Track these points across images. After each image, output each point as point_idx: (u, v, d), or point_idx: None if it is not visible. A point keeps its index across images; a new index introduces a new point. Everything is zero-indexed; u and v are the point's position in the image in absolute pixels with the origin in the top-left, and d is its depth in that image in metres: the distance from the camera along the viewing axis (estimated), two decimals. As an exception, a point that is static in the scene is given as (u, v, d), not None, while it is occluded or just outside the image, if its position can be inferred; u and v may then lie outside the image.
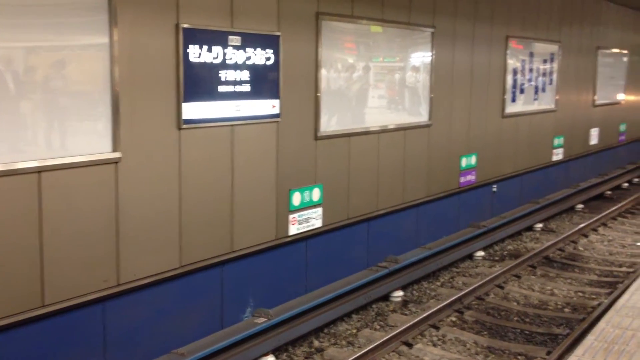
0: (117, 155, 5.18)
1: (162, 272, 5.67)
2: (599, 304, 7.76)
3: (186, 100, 5.66)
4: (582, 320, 7.22)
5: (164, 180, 5.60)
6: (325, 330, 6.96)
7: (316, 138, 7.18)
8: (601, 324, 4.06)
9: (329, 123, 7.40)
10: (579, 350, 3.64)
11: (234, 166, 6.22)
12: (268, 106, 6.49)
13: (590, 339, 3.80)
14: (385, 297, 7.87)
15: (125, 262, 5.37)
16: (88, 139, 5.06)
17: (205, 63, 5.79)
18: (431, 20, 8.93)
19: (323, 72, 7.19)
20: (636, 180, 16.46)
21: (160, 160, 5.56)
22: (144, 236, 5.49)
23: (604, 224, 12.16)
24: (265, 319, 6.24)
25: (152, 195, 5.52)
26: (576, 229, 11.29)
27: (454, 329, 7.12)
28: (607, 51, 15.66)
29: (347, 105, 7.72)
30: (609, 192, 14.96)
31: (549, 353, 6.41)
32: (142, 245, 5.48)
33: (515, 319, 7.51)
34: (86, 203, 5.03)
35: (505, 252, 10.24)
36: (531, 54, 11.97)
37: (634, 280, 5.05)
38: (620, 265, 9.59)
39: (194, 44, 5.65)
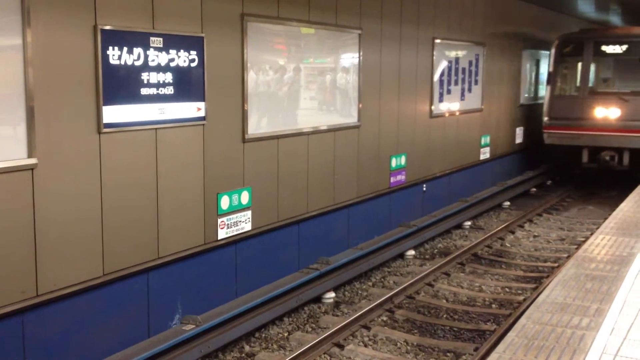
0: (32, 161, 4.97)
1: (84, 281, 5.48)
2: (524, 299, 7.96)
3: (107, 104, 5.49)
4: (508, 316, 7.39)
5: (84, 187, 5.41)
6: (257, 335, 6.89)
7: (244, 140, 7.10)
8: (522, 320, 4.14)
9: (258, 125, 7.33)
10: (500, 347, 3.70)
11: (158, 170, 6.08)
12: (193, 109, 6.37)
13: (511, 335, 3.87)
14: (317, 299, 7.86)
15: (45, 272, 5.17)
16: (2, 145, 4.84)
17: (125, 65, 5.63)
18: (358, 22, 8.97)
19: (250, 74, 7.11)
20: (558, 178, 16.97)
21: (79, 165, 5.37)
22: (63, 245, 5.29)
23: (530, 220, 12.51)
24: (194, 326, 6.12)
25: (72, 203, 5.33)
26: (503, 225, 11.57)
27: (384, 328, 7.17)
28: (534, 51, 16.19)
29: (276, 106, 7.66)
30: (534, 190, 15.41)
31: (476, 349, 6.53)
32: (62, 254, 5.28)
33: (445, 316, 7.62)
34: (0, 212, 4.81)
35: (436, 250, 10.39)
36: (456, 56, 12.21)
37: (555, 276, 5.19)
38: (545, 261, 9.87)
39: (114, 45, 5.49)
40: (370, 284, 8.68)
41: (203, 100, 6.47)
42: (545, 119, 14.78)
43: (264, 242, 7.54)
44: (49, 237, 5.16)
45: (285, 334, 6.96)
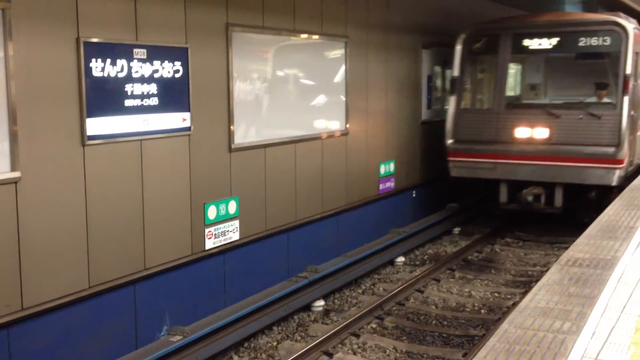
0: (16, 174, 4.97)
1: (70, 294, 5.47)
2: (513, 304, 7.98)
3: (90, 116, 5.50)
4: (497, 321, 7.40)
5: (68, 199, 5.42)
6: (245, 345, 6.88)
7: (230, 150, 7.12)
8: (504, 325, 4.14)
9: (244, 134, 7.35)
10: (482, 352, 3.72)
11: (144, 182, 6.08)
12: (178, 119, 6.39)
13: (493, 340, 3.88)
14: (307, 307, 7.86)
15: (30, 285, 5.16)
16: (-16, 159, 4.85)
17: (109, 77, 5.65)
18: (344, 30, 9.01)
19: (236, 84, 7.13)
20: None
21: (64, 178, 5.37)
22: (49, 258, 5.29)
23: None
24: (181, 337, 6.12)
25: (57, 215, 5.33)
26: (490, 230, 11.57)
27: (374, 335, 7.17)
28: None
29: (262, 115, 7.68)
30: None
31: (465, 355, 6.54)
32: (47, 268, 5.28)
33: (434, 322, 7.63)
34: (-17, 226, 4.81)
35: (426, 256, 10.41)
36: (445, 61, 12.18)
37: (538, 281, 5.22)
38: (535, 265, 9.90)
39: (97, 57, 5.50)
40: (360, 291, 8.69)
41: (188, 110, 6.49)
42: (449, 142, 10.68)
43: (253, 251, 7.55)
44: (34, 250, 5.16)
45: (275, 343, 6.96)
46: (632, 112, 9.94)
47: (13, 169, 4.97)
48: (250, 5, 7.30)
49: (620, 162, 9.68)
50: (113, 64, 5.66)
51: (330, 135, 8.89)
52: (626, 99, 9.73)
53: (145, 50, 5.95)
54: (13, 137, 4.95)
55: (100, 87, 5.57)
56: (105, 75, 5.61)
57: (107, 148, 5.70)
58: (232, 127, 7.08)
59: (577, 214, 10.65)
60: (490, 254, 10.58)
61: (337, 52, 9.01)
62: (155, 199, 6.21)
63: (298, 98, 8.34)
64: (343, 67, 9.09)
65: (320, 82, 8.75)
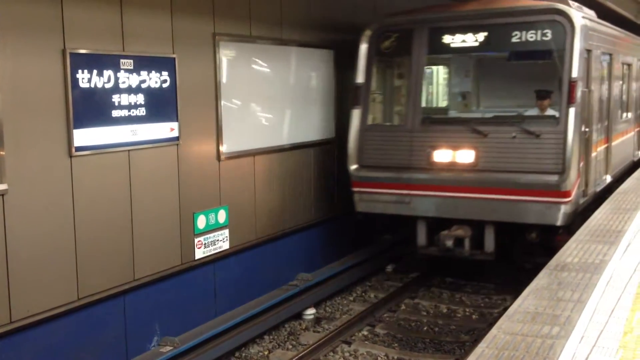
0: (2, 187, 4.95)
1: (59, 307, 5.44)
2: (504, 309, 7.99)
3: (77, 127, 5.48)
4: (489, 326, 7.41)
5: (56, 211, 5.39)
6: (237, 354, 6.86)
7: (219, 159, 7.11)
8: (493, 330, 4.15)
9: (233, 143, 7.33)
10: (470, 358, 3.72)
11: (132, 192, 6.07)
12: (166, 129, 6.38)
13: (482, 346, 3.88)
14: (298, 316, 7.85)
15: (18, 298, 5.13)
16: (-30, 172, 4.82)
17: (96, 88, 5.64)
18: (331, 40, 9.03)
19: (224, 93, 7.13)
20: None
21: (51, 189, 5.35)
22: (37, 270, 5.26)
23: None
24: (172, 347, 6.10)
25: (44, 227, 5.30)
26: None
27: (365, 343, 7.17)
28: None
29: (251, 124, 7.68)
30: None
31: (455, 361, 6.52)
32: (35, 280, 5.25)
33: (425, 329, 7.63)
34: (-30, 239, 4.79)
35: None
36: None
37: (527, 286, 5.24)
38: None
39: (83, 68, 5.49)
40: (351, 298, 8.68)
41: (176, 120, 6.48)
42: (353, 167, 8.37)
43: (243, 260, 7.53)
44: (22, 263, 5.13)
45: (266, 352, 6.95)
46: (583, 128, 7.73)
47: (0, 181, 4.95)
48: (237, 15, 7.31)
49: (566, 194, 7.33)
50: (100, 74, 5.65)
51: (319, 144, 8.90)
52: (572, 111, 7.33)
53: (132, 61, 5.95)
54: (-1, 149, 4.94)
55: (87, 98, 5.55)
56: (92, 86, 5.59)
57: (94, 159, 5.69)
58: (220, 136, 7.07)
59: (519, 258, 8.42)
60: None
61: (325, 60, 9.01)
62: (144, 209, 6.20)
63: (287, 106, 8.33)
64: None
65: (309, 90, 8.75)
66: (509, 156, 7.59)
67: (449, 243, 7.81)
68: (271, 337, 7.33)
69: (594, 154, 8.45)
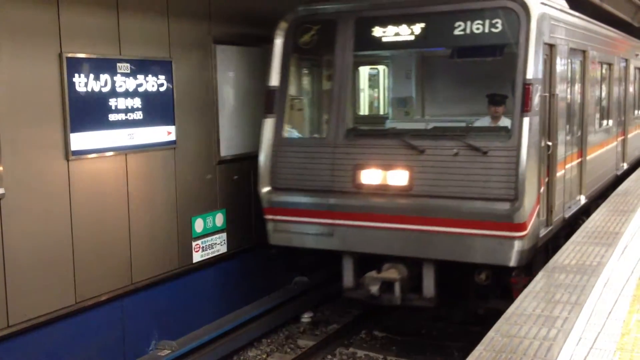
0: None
1: (56, 310, 5.44)
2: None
3: (74, 131, 5.48)
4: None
5: (53, 215, 5.39)
6: (235, 358, 6.84)
7: (217, 162, 7.11)
8: (490, 333, 4.15)
9: (231, 146, 7.31)
10: (468, 360, 3.74)
11: (129, 196, 6.06)
12: (163, 133, 6.38)
13: (479, 349, 3.88)
14: (296, 319, 7.83)
15: (15, 303, 5.12)
16: (-33, 176, 4.82)
17: (93, 92, 5.64)
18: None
19: (222, 96, 7.13)
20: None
21: (48, 194, 5.35)
22: (34, 275, 5.25)
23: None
24: (169, 351, 6.09)
25: (41, 231, 5.30)
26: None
27: (363, 346, 7.15)
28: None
29: (249, 126, 7.65)
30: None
31: (454, 364, 6.47)
32: (33, 285, 5.24)
33: (424, 331, 7.61)
34: (-33, 243, 4.78)
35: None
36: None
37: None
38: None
39: (80, 73, 5.49)
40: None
41: (173, 124, 6.48)
42: (264, 190, 6.83)
43: (241, 263, 7.52)
44: (19, 267, 5.13)
45: (264, 356, 6.93)
46: (543, 142, 6.40)
47: (-4, 185, 4.95)
48: (233, 18, 7.31)
49: (521, 227, 5.88)
50: (96, 78, 5.65)
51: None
52: (527, 122, 5.90)
53: (128, 65, 5.95)
54: (-4, 154, 4.94)
55: (83, 102, 5.55)
56: (89, 90, 5.59)
57: (92, 163, 5.69)
58: (218, 139, 7.07)
59: (469, 303, 6.91)
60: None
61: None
62: (141, 213, 6.19)
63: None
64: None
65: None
66: (450, 178, 6.10)
67: (374, 289, 6.29)
68: (269, 340, 7.31)
69: (560, 173, 7.01)
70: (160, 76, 6.29)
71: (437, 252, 6.16)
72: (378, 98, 10.05)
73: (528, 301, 4.70)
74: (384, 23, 6.55)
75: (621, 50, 10.91)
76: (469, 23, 6.20)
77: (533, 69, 5.96)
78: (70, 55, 5.41)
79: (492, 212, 5.89)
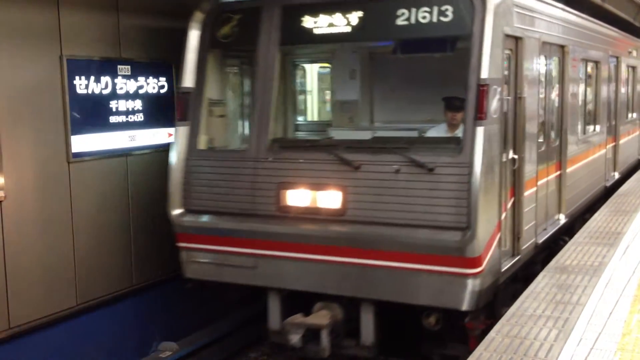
0: (0, 194, 4.96)
1: (57, 312, 5.44)
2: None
3: (75, 133, 5.49)
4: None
5: (54, 217, 5.39)
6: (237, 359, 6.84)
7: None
8: (491, 334, 4.14)
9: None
10: (469, 361, 3.73)
11: (131, 196, 6.06)
12: (164, 134, 6.38)
13: (479, 350, 3.87)
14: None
15: (16, 304, 5.12)
16: (-33, 179, 4.83)
17: (93, 94, 5.64)
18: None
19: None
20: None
21: (49, 196, 5.35)
22: (35, 276, 5.25)
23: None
24: (171, 352, 6.09)
25: (42, 234, 5.30)
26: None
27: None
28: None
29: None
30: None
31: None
32: (34, 286, 5.25)
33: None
34: (-32, 246, 4.79)
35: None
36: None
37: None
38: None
39: (80, 75, 5.50)
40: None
41: (174, 125, 6.46)
42: (175, 212, 5.78)
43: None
44: (20, 269, 5.13)
45: (264, 358, 6.92)
46: (505, 156, 5.38)
47: (-3, 187, 4.97)
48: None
49: (475, 262, 4.83)
50: (97, 80, 5.66)
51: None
52: (482, 132, 4.82)
53: (129, 67, 5.95)
54: (-3, 156, 4.97)
55: (84, 104, 5.55)
56: (90, 92, 5.60)
57: (93, 165, 5.69)
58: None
59: (422, 348, 5.72)
60: None
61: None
62: (143, 214, 6.19)
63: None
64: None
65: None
66: (390, 201, 5.05)
67: (295, 339, 5.27)
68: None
69: (530, 191, 5.97)
70: (161, 78, 6.28)
71: (376, 291, 5.09)
72: (320, 102, 8.77)
73: (529, 302, 4.70)
74: (315, 11, 5.49)
75: (611, 47, 9.86)
76: (414, 11, 5.20)
77: (490, 66, 4.91)
78: (70, 57, 5.41)
79: (439, 243, 4.86)
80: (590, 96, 8.79)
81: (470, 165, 4.79)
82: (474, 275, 4.84)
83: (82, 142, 5.54)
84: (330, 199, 5.23)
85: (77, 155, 5.51)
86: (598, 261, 5.68)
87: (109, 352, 5.92)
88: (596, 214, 7.63)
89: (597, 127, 9.04)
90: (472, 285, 4.85)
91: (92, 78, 5.61)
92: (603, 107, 9.35)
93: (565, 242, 6.60)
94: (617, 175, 10.38)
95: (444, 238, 4.84)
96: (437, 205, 4.90)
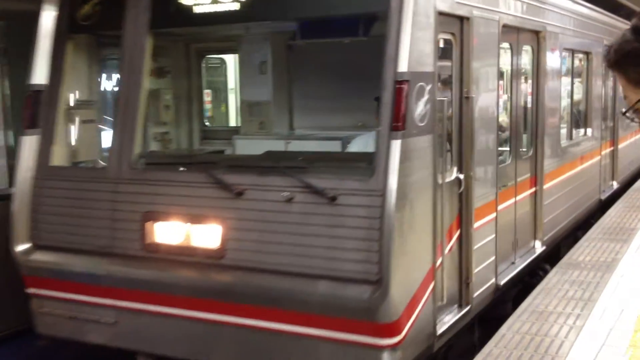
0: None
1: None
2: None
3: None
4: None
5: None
6: None
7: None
8: (502, 329, 4.13)
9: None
10: (478, 358, 3.71)
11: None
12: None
13: (490, 345, 3.86)
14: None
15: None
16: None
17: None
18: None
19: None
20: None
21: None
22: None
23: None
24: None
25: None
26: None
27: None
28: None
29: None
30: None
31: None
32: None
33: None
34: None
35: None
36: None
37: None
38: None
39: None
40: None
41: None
42: (20, 248, 4.45)
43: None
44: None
45: None
46: (447, 176, 4.17)
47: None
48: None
49: (392, 329, 3.59)
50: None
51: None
52: (399, 146, 3.56)
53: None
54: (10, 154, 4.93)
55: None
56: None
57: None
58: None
59: None
60: None
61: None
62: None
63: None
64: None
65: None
66: (279, 240, 3.80)
67: None
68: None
69: (485, 219, 4.65)
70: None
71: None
72: (211, 103, 7.08)
73: (540, 298, 4.68)
74: None
75: (607, 35, 8.26)
76: None
77: (411, 55, 3.63)
78: None
79: (341, 301, 3.58)
80: (579, 94, 7.57)
81: (383, 192, 3.49)
82: (391, 347, 3.55)
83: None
84: (207, 235, 3.98)
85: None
86: (611, 257, 5.65)
87: None
88: (610, 210, 7.57)
89: (589, 131, 7.65)
90: (388, 357, 3.56)
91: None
92: (596, 108, 7.93)
93: (546, 272, 5.53)
94: (615, 185, 8.86)
95: (347, 295, 3.54)
96: (340, 249, 3.60)
